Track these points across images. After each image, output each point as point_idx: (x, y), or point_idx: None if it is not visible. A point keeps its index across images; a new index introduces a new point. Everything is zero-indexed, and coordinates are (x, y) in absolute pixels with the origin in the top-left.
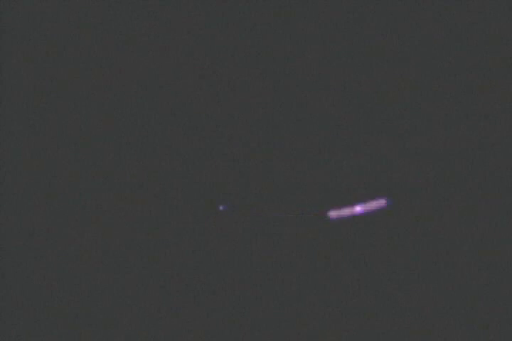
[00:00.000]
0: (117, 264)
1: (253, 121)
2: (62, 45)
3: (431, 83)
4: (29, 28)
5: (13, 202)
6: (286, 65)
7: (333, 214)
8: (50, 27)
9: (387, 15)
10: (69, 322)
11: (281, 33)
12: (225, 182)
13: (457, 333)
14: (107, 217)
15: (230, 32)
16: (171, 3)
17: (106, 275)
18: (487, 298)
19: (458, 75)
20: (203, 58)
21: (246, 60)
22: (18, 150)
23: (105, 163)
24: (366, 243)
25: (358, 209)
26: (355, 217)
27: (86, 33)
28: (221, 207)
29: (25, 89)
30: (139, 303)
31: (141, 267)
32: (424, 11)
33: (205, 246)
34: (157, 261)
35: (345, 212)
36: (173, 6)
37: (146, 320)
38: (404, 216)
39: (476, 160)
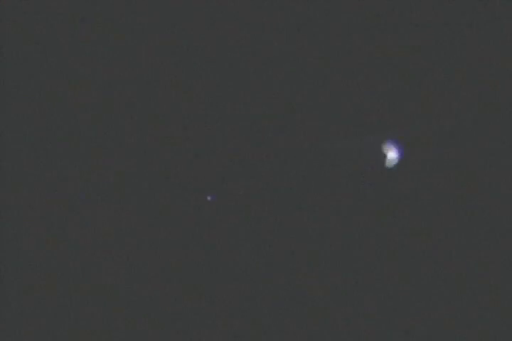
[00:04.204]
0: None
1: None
2: (60, 45)
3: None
4: (29, 28)
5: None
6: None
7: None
8: (49, 27)
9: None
10: (68, 321)
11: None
12: (213, 174)
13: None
14: (101, 210)
15: (228, 32)
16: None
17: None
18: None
19: (457, 75)
20: (187, 57)
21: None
22: (18, 151)
23: (96, 156)
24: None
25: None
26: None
27: (85, 33)
28: (209, 198)
29: (25, 89)
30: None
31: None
32: (423, 11)
33: (195, 235)
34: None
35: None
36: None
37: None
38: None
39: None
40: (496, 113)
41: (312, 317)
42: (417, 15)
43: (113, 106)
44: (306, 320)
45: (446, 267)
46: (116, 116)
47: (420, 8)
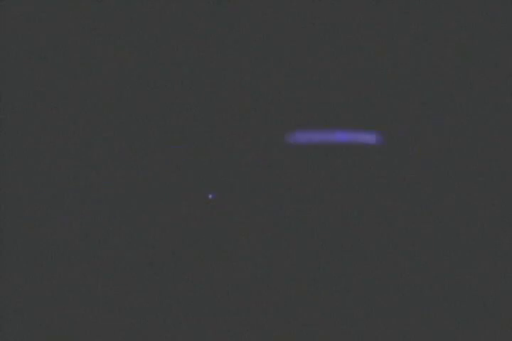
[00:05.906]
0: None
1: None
2: (60, 45)
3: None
4: (29, 28)
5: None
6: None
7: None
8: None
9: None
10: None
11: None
12: (215, 173)
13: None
14: (103, 208)
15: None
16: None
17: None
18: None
19: (457, 75)
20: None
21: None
22: (18, 151)
23: (99, 156)
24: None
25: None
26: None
27: (85, 33)
28: (210, 196)
29: (25, 89)
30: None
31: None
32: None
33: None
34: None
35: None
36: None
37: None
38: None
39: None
40: (496, 113)
41: (312, 318)
42: (416, 16)
43: (112, 108)
44: (305, 320)
45: (446, 267)
46: (115, 116)
47: (420, 9)
